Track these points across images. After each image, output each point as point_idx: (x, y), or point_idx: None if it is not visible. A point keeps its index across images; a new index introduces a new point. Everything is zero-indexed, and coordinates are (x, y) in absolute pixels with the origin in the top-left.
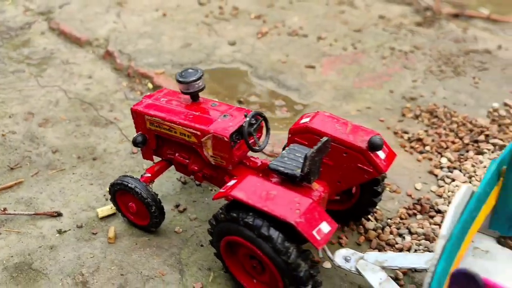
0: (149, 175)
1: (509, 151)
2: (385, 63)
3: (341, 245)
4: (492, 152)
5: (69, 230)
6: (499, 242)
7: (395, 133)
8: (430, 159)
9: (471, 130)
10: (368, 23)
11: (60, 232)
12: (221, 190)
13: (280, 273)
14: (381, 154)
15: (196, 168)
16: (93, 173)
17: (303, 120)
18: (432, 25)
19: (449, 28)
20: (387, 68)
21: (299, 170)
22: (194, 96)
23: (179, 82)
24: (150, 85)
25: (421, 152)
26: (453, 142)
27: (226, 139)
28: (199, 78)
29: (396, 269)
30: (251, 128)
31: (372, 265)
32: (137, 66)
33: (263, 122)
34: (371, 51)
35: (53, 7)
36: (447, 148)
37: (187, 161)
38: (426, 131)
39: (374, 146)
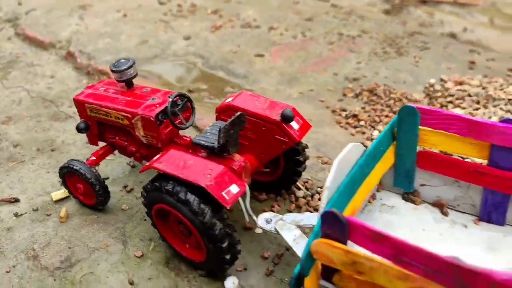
0: (94, 158)
1: (399, 115)
2: (331, 48)
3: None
4: None
5: (25, 213)
6: (403, 198)
7: (333, 111)
8: (364, 133)
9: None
10: (320, 12)
11: (16, 215)
12: (147, 164)
13: (199, 233)
14: (295, 125)
15: (133, 149)
16: (51, 163)
17: (228, 100)
18: (400, 12)
19: (417, 14)
20: (333, 52)
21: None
22: (128, 84)
23: (112, 71)
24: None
25: (355, 127)
26: (387, 116)
27: (152, 118)
28: (130, 67)
29: (310, 227)
30: (176, 108)
31: (289, 224)
32: (96, 64)
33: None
34: (319, 38)
35: (19, 14)
36: (380, 122)
37: (126, 143)
38: (363, 108)
39: (286, 118)
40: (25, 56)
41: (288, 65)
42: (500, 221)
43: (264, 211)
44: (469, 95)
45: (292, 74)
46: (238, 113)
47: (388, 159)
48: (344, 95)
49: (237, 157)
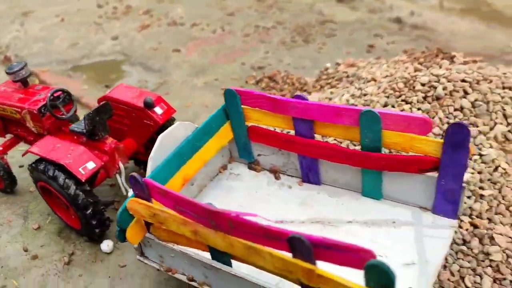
0: (1, 148)
1: (224, 97)
2: (245, 40)
3: None
4: None
5: None
6: (248, 167)
7: None
8: None
9: (297, 88)
10: (243, 6)
11: None
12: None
13: (69, 203)
14: (158, 110)
15: (31, 138)
16: None
17: (107, 92)
18: (353, 0)
19: (368, 1)
20: (246, 44)
21: None
22: (24, 83)
23: (7, 73)
24: (37, 81)
25: None
26: None
27: (35, 111)
28: (22, 68)
29: None
30: (56, 101)
31: None
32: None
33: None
34: (237, 31)
35: None
36: None
37: (25, 134)
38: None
39: (147, 105)
40: None
41: (201, 58)
42: (317, 181)
43: None
44: (347, 76)
45: (203, 66)
46: (103, 102)
47: (225, 134)
48: (246, 82)
49: (109, 140)
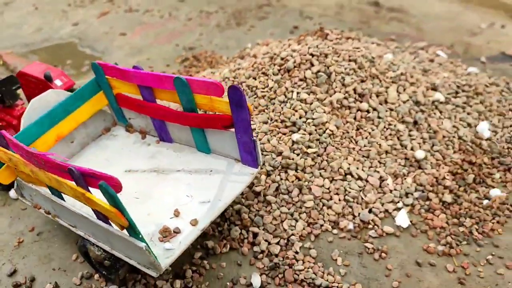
0: None
1: (92, 69)
2: (186, 24)
3: None
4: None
5: None
6: (126, 130)
7: None
8: None
9: (212, 66)
10: None
11: None
12: None
13: None
14: (58, 82)
15: None
16: None
17: (23, 68)
18: None
19: None
20: (186, 27)
21: None
22: None
23: None
24: (1, 62)
25: None
26: (197, 72)
27: None
28: None
29: None
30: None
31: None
32: None
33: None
34: (181, 16)
35: None
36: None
37: None
38: (178, 70)
39: (46, 78)
40: None
41: (142, 40)
42: (169, 140)
43: None
44: (255, 56)
45: (141, 47)
46: (9, 75)
47: (99, 101)
48: (174, 61)
49: (18, 107)
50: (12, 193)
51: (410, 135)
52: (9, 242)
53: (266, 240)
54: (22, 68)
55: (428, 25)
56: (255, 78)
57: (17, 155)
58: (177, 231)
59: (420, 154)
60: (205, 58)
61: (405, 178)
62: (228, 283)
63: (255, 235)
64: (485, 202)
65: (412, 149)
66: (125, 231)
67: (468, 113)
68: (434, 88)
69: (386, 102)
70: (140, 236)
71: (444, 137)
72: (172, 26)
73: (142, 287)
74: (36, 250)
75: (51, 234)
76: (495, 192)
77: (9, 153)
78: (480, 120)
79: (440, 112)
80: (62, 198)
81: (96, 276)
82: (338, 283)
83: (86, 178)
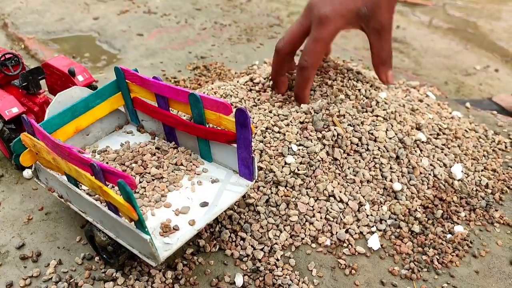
0: None
1: (115, 72)
2: (200, 33)
3: None
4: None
5: None
6: (137, 130)
7: (166, 78)
8: None
9: (220, 78)
10: (212, 4)
11: None
12: None
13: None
14: (80, 78)
15: None
16: None
17: (48, 60)
18: None
19: None
20: (199, 36)
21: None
22: None
23: None
24: (23, 46)
25: None
26: (206, 82)
27: None
28: None
29: None
30: (6, 62)
31: None
32: (19, 33)
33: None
34: (196, 24)
35: None
36: (200, 86)
37: None
38: (189, 77)
39: (70, 73)
40: None
41: (157, 43)
42: (177, 144)
43: None
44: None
45: (155, 50)
46: (37, 66)
47: (117, 101)
48: (185, 68)
49: (41, 95)
50: (26, 172)
51: (391, 168)
52: (20, 217)
53: (251, 246)
54: (44, 57)
55: (426, 60)
56: (237, 94)
57: (41, 142)
58: (176, 229)
59: (397, 186)
60: (214, 69)
61: (381, 206)
62: (214, 279)
63: (243, 239)
64: (449, 236)
65: (391, 180)
66: (132, 223)
67: (446, 154)
68: (419, 128)
69: (375, 140)
70: (146, 229)
71: (421, 173)
72: (187, 33)
73: (137, 273)
74: (44, 228)
75: (58, 215)
76: (459, 229)
77: (34, 140)
78: (455, 162)
79: (421, 150)
80: (77, 186)
81: (97, 258)
82: None
83: (106, 174)
